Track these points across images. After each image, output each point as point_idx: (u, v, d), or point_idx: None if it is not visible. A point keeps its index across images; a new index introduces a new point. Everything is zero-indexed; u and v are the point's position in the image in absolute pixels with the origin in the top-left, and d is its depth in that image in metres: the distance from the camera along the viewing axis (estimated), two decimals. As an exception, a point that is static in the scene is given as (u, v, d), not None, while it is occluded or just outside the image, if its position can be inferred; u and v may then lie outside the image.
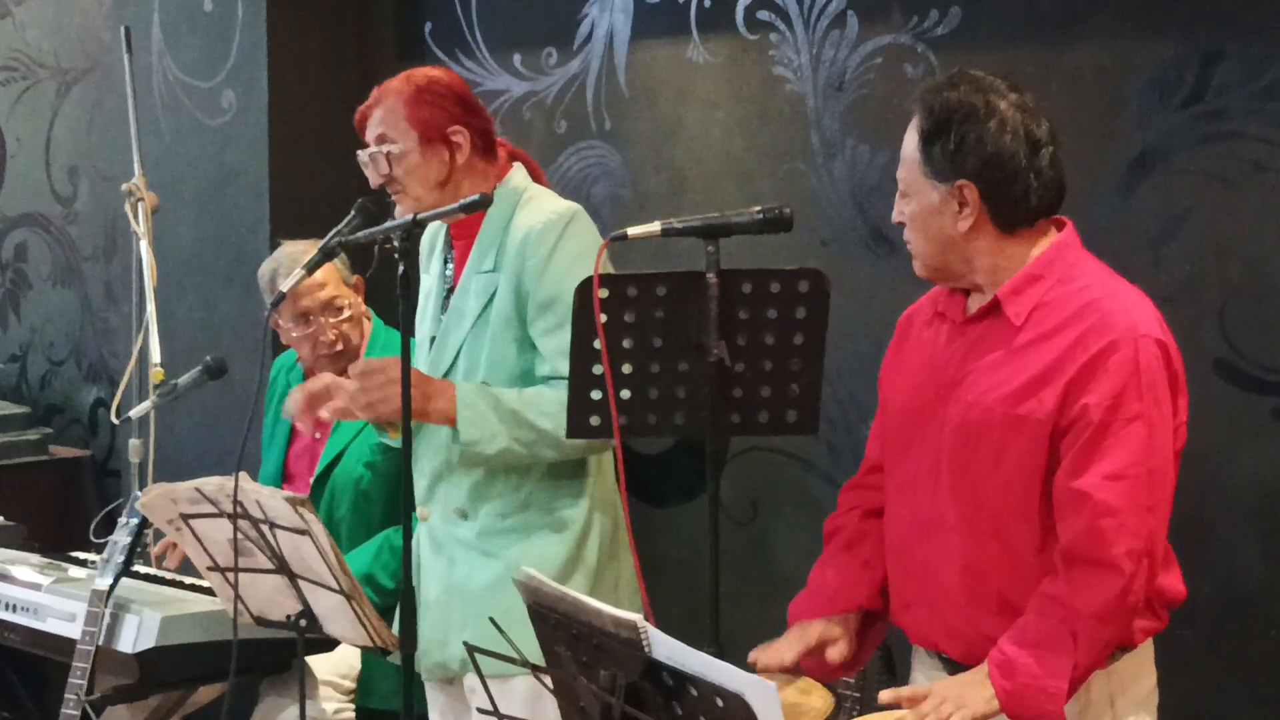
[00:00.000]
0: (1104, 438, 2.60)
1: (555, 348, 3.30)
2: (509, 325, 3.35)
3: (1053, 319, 2.67)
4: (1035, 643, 2.61)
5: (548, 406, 3.28)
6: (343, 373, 3.75)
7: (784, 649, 2.90)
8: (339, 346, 4.15)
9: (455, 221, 3.43)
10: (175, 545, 4.07)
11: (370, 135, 3.42)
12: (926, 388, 2.83)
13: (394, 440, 3.44)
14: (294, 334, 4.17)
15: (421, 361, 3.45)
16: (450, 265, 3.50)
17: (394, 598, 3.48)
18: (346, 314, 4.16)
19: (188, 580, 4.00)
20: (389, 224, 3.19)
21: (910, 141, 2.76)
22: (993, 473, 2.70)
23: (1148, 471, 2.61)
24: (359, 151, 3.45)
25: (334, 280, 4.14)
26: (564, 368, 3.24)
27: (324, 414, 3.34)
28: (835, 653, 2.90)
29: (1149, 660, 2.82)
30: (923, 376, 2.85)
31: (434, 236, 3.57)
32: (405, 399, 3.09)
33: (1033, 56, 3.77)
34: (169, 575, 4.09)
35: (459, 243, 3.47)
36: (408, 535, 3.12)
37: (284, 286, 3.23)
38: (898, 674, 3.46)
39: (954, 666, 2.81)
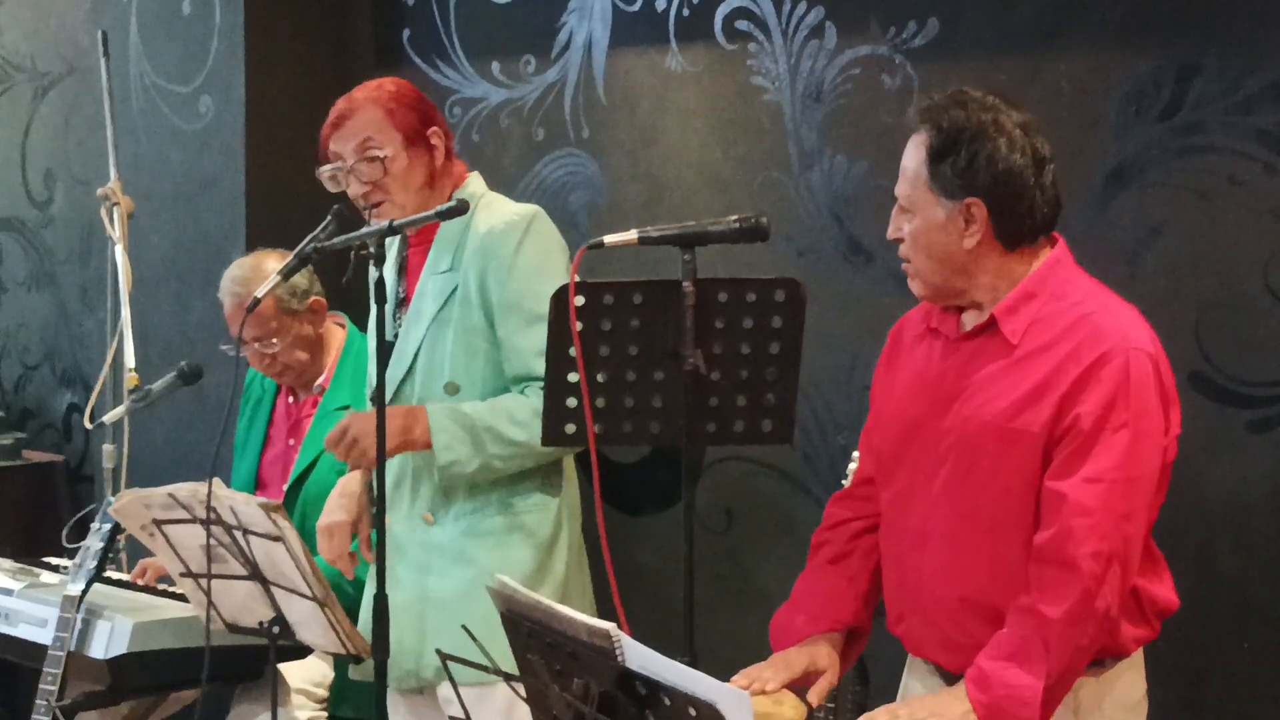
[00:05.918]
0: (1091, 444, 2.62)
1: (525, 346, 3.30)
2: (474, 328, 3.34)
3: (1047, 334, 2.70)
4: (1009, 655, 2.63)
5: (520, 415, 3.27)
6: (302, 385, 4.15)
7: (767, 676, 2.88)
8: (278, 371, 4.17)
9: (416, 230, 3.42)
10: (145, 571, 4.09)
11: (348, 146, 3.39)
12: (920, 402, 2.84)
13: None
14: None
15: (373, 370, 3.43)
16: (404, 276, 3.49)
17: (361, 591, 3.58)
18: (275, 346, 4.11)
19: (160, 586, 3.99)
20: (364, 230, 3.19)
21: (915, 157, 2.75)
22: (988, 485, 2.72)
23: (1127, 478, 2.63)
24: (324, 167, 3.41)
25: (264, 314, 4.04)
26: (536, 366, 3.24)
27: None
28: (823, 685, 2.88)
29: (1139, 667, 2.84)
30: (916, 391, 2.86)
31: (392, 246, 3.54)
32: (380, 403, 3.09)
33: (1010, 68, 3.77)
34: (141, 581, 4.07)
35: (415, 249, 3.47)
36: (381, 544, 3.11)
37: (247, 303, 3.32)
38: (872, 685, 3.45)
39: (949, 677, 2.82)
